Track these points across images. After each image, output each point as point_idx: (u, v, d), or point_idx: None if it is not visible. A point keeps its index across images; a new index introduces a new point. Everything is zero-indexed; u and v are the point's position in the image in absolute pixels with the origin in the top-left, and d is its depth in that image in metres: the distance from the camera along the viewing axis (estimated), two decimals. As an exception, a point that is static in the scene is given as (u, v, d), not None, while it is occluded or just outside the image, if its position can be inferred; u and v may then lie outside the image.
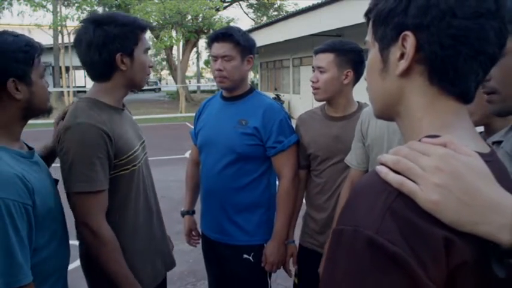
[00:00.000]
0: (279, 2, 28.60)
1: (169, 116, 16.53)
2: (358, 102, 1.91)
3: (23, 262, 1.07)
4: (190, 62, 30.68)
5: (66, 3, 20.10)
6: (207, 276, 2.15)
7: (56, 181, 1.35)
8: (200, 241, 2.14)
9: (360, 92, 2.01)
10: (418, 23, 0.56)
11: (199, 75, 42.20)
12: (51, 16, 19.25)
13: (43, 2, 18.91)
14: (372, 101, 0.68)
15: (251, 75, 28.01)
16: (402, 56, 0.58)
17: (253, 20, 31.42)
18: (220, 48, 1.80)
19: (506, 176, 0.61)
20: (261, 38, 13.80)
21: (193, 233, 2.19)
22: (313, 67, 1.86)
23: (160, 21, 18.58)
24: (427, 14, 0.55)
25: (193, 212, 2.19)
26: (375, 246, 0.48)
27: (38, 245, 1.18)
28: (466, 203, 0.49)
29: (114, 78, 1.44)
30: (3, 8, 22.95)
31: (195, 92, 34.17)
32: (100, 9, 20.79)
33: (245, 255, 1.89)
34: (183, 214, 2.18)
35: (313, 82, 1.83)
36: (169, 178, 6.15)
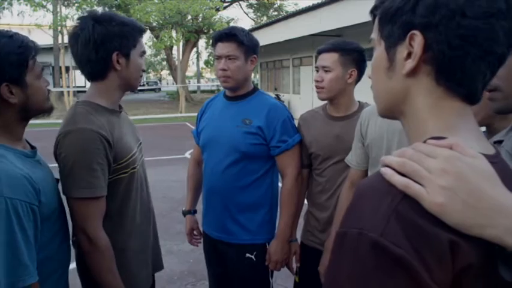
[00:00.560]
0: (279, 2, 28.64)
1: (169, 116, 16.54)
2: (359, 102, 1.92)
3: (28, 262, 1.08)
4: (190, 62, 30.67)
5: (66, 3, 20.06)
6: (207, 276, 2.14)
7: (58, 180, 1.35)
8: (201, 240, 2.14)
9: (360, 92, 2.02)
10: (426, 22, 0.55)
11: (199, 75, 42.17)
12: (51, 16, 19.28)
13: (43, 2, 18.90)
14: (376, 100, 0.67)
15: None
16: (409, 55, 0.57)
17: (253, 20, 31.47)
18: (224, 48, 1.81)
19: (512, 177, 0.60)
20: (261, 38, 13.62)
21: (195, 232, 2.18)
22: (316, 67, 1.86)
23: (160, 21, 18.60)
24: (436, 13, 0.54)
25: (195, 212, 2.19)
26: (380, 249, 0.48)
27: (42, 243, 1.18)
28: (472, 206, 0.49)
29: (109, 78, 1.42)
30: (3, 8, 22.93)
31: (195, 92, 34.19)
32: (100, 9, 20.77)
33: (248, 254, 1.89)
34: (184, 214, 2.18)
35: (317, 81, 1.84)
36: (170, 178, 6.15)
